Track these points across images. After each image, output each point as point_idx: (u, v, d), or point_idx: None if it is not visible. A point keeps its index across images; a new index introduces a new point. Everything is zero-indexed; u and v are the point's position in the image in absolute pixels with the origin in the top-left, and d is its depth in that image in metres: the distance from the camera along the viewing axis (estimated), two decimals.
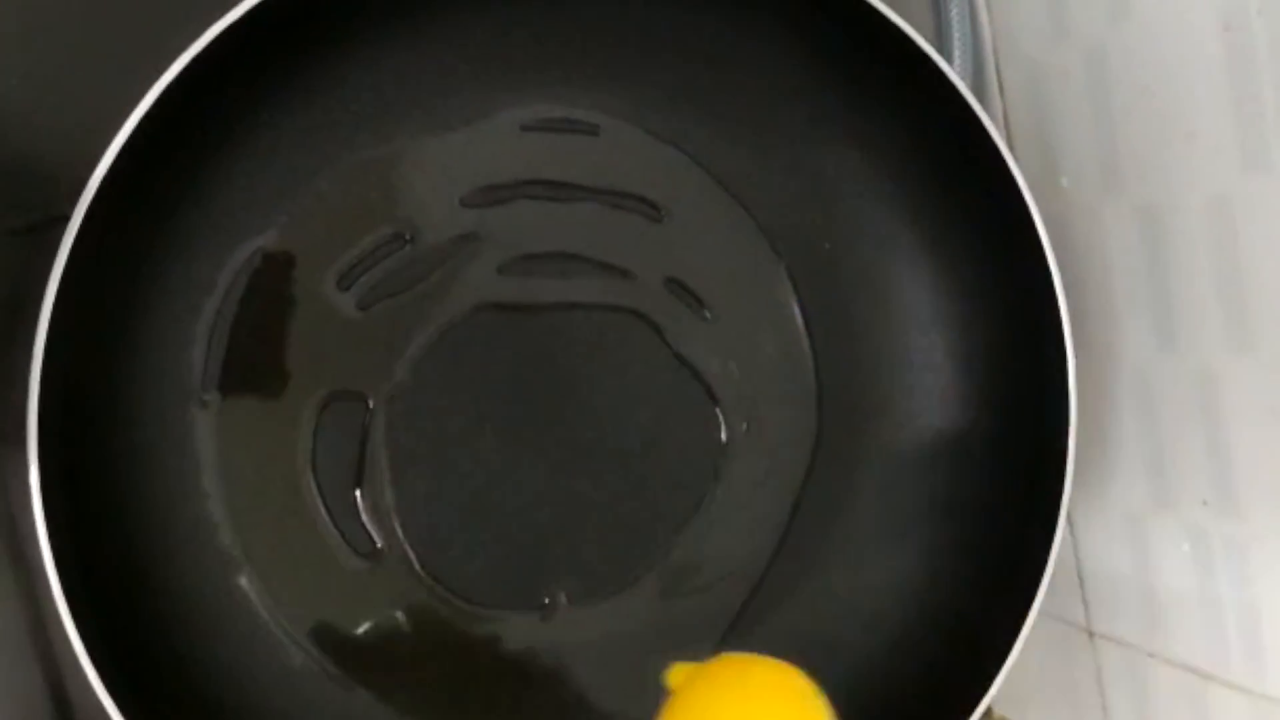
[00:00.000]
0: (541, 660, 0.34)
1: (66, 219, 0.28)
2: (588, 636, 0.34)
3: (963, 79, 0.32)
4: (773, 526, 0.36)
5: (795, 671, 0.28)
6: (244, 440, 0.33)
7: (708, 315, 0.36)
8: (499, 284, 0.34)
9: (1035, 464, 0.33)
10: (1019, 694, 0.41)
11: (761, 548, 0.36)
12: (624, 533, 0.35)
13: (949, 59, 0.37)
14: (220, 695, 0.32)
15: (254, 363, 0.33)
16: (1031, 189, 0.32)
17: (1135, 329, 0.34)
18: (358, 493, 0.33)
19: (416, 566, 0.34)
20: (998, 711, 0.42)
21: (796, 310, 0.36)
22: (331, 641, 0.33)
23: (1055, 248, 0.32)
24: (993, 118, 0.33)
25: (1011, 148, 0.32)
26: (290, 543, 0.33)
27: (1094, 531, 0.37)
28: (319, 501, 0.33)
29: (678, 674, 0.28)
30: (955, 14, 0.37)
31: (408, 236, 0.34)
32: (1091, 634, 0.38)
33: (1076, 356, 0.32)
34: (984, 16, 0.38)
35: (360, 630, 0.33)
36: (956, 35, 0.37)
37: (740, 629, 0.36)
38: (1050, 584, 0.32)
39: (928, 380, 0.36)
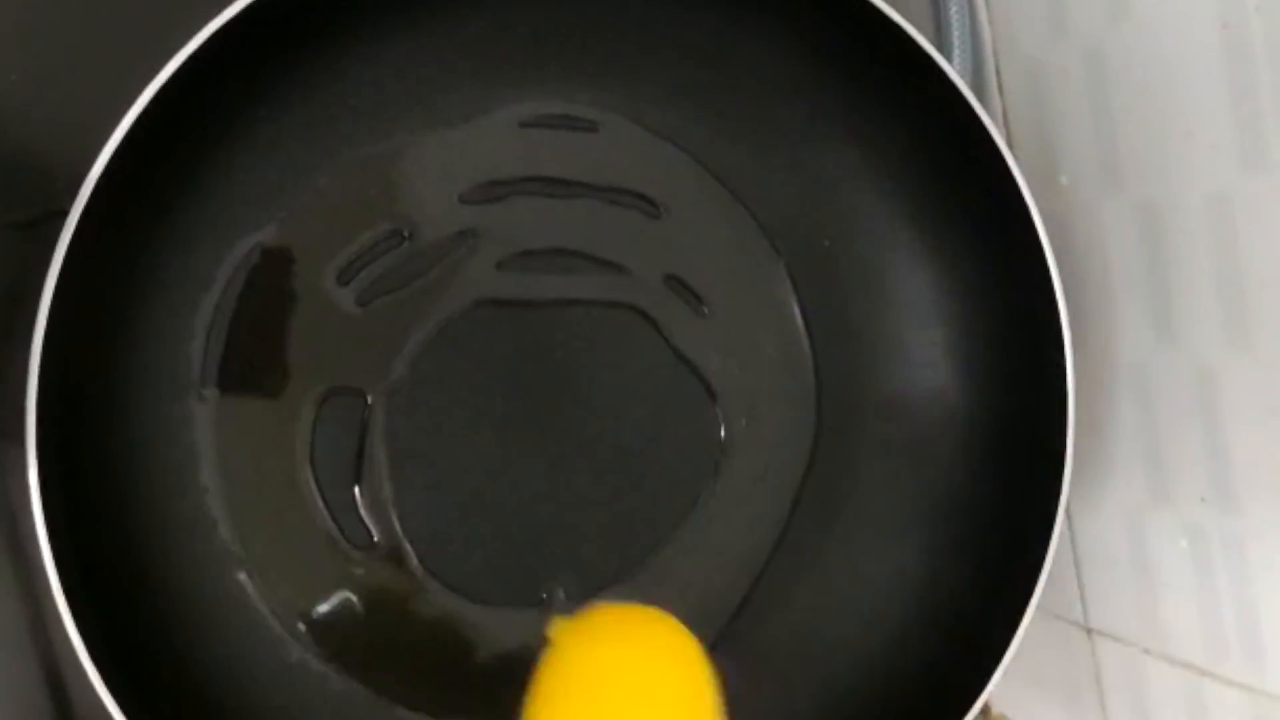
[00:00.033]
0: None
1: (65, 214, 0.28)
2: None
3: (962, 77, 0.32)
4: (771, 523, 0.36)
5: (670, 620, 0.28)
6: (243, 436, 0.33)
7: (706, 312, 0.36)
8: (498, 280, 0.34)
9: (1034, 461, 0.33)
10: (1017, 690, 0.42)
11: (760, 544, 0.36)
12: (622, 529, 0.35)
13: (949, 57, 0.37)
14: (219, 690, 0.32)
15: (253, 358, 0.33)
16: (1031, 187, 0.32)
17: (1134, 326, 0.34)
18: (356, 489, 0.33)
19: (415, 562, 0.34)
20: (995, 708, 0.42)
21: (795, 307, 0.36)
22: (330, 636, 0.33)
23: (1054, 246, 0.32)
24: (992, 116, 0.33)
25: (1011, 146, 0.32)
26: (289, 538, 0.33)
27: (1092, 528, 0.37)
28: (318, 497, 0.33)
29: (555, 626, 0.28)
30: (955, 12, 0.37)
31: (406, 233, 0.34)
32: (1089, 630, 0.38)
33: (1075, 354, 0.32)
34: (983, 15, 0.38)
35: (359, 626, 0.33)
36: (956, 34, 0.37)
37: (738, 626, 0.36)
38: (1048, 580, 0.32)
39: (927, 377, 0.36)
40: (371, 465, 0.33)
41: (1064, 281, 0.32)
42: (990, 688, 0.32)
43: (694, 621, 0.35)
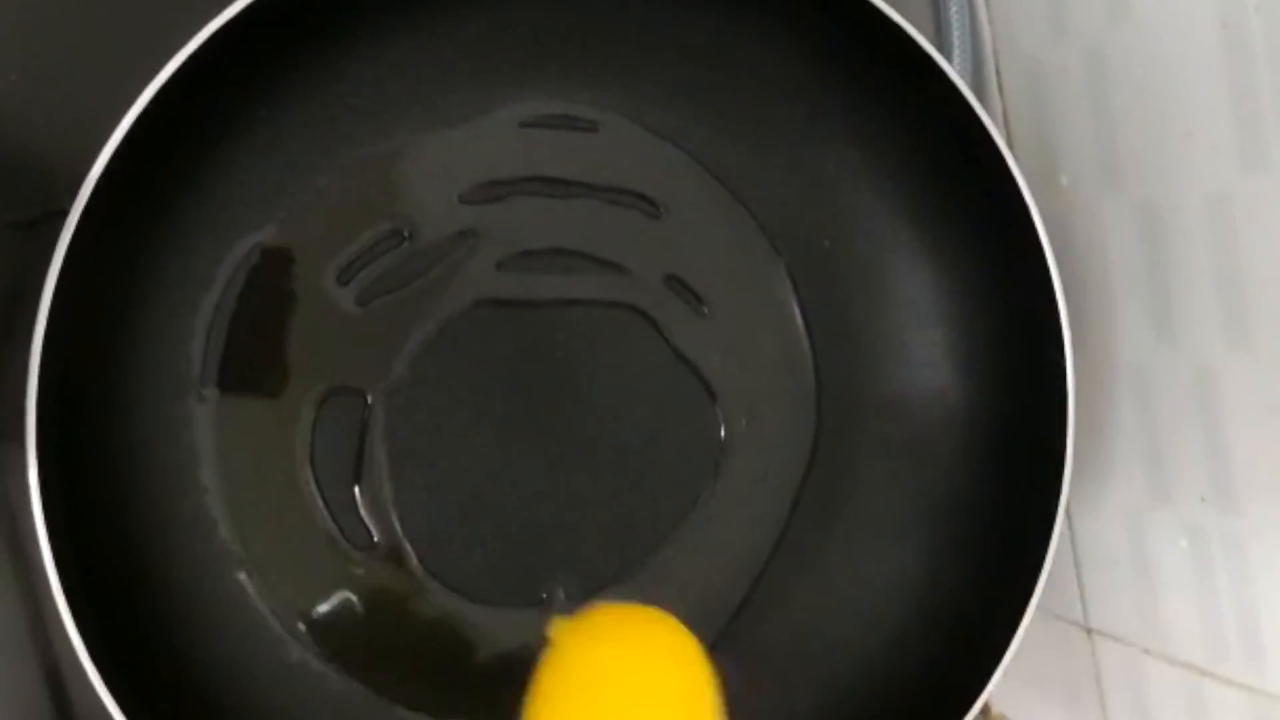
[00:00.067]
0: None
1: (65, 214, 0.28)
2: None
3: (962, 78, 0.32)
4: (771, 523, 0.36)
5: (670, 620, 0.28)
6: (243, 436, 0.33)
7: (706, 312, 0.36)
8: (498, 280, 0.34)
9: (1034, 461, 0.33)
10: (1017, 690, 0.42)
11: (760, 544, 0.36)
12: (622, 529, 0.35)
13: (949, 58, 0.37)
14: (219, 690, 0.32)
15: (252, 358, 0.33)
16: (1031, 187, 0.32)
17: (1134, 326, 0.34)
18: (356, 489, 0.33)
19: (415, 562, 0.34)
20: (995, 708, 0.42)
21: (796, 308, 0.36)
22: (330, 636, 0.33)
23: (1054, 246, 0.32)
24: (992, 117, 0.33)
25: (1011, 146, 0.32)
26: (289, 538, 0.33)
27: (1092, 528, 0.37)
28: (318, 497, 0.33)
29: (555, 626, 0.28)
30: (955, 12, 0.37)
31: (406, 233, 0.34)
32: (1089, 630, 0.38)
33: (1075, 354, 0.32)
34: (983, 15, 0.38)
35: (359, 626, 0.33)
36: (956, 34, 0.37)
37: (738, 625, 0.36)
38: (1048, 580, 0.32)
39: (927, 377, 0.36)
40: (371, 465, 0.33)
41: (1064, 281, 0.32)
42: (990, 688, 0.32)
43: (694, 621, 0.35)
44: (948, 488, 0.36)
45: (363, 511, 0.33)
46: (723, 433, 0.36)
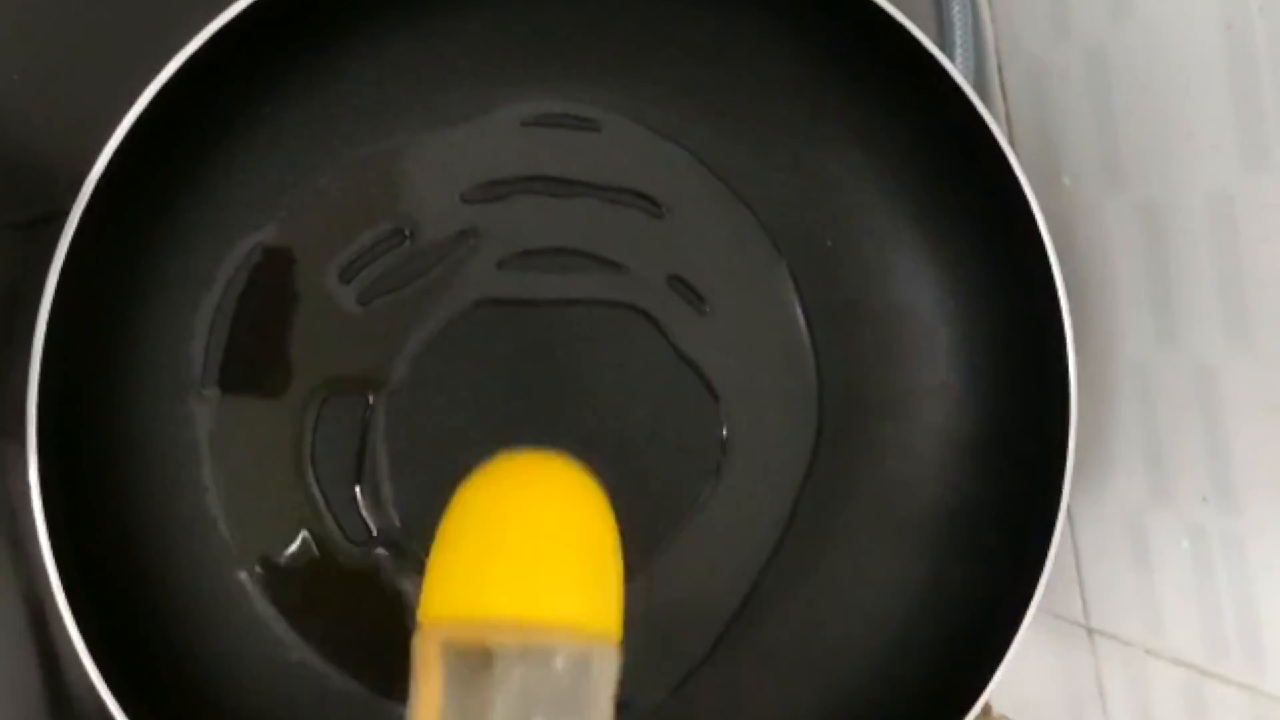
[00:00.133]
0: None
1: (66, 214, 0.28)
2: None
3: (965, 77, 0.32)
4: (773, 523, 0.36)
5: (571, 464, 0.29)
6: (243, 435, 0.33)
7: (708, 311, 0.36)
8: (499, 279, 0.34)
9: (1035, 461, 0.33)
10: (1017, 691, 0.42)
11: (761, 544, 0.36)
12: (623, 528, 0.35)
13: (951, 57, 0.37)
14: (219, 689, 0.32)
15: (253, 357, 0.33)
16: (1033, 187, 0.32)
17: (1136, 325, 0.34)
18: (357, 488, 0.33)
19: (416, 562, 0.34)
20: (996, 708, 0.42)
21: (798, 307, 0.36)
22: (330, 636, 0.33)
23: (1057, 246, 0.32)
24: (994, 116, 0.32)
25: (1013, 146, 0.32)
26: (290, 537, 0.33)
27: (1093, 528, 0.37)
28: (319, 496, 0.33)
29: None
30: (957, 12, 0.37)
31: (408, 232, 0.34)
32: (1090, 630, 0.38)
33: (1077, 354, 0.32)
34: (986, 15, 0.38)
35: (360, 625, 0.33)
36: (959, 33, 0.37)
37: (739, 626, 0.36)
38: (1049, 580, 0.32)
39: (928, 377, 0.36)
40: (373, 464, 0.33)
41: (1066, 281, 0.32)
42: (991, 687, 0.32)
43: (694, 621, 0.35)
44: (949, 487, 0.36)
45: (364, 511, 0.33)
46: (724, 432, 0.36)
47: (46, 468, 0.28)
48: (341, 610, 0.33)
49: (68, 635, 0.28)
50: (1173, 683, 0.35)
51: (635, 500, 0.35)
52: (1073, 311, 0.32)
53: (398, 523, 0.33)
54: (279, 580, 0.33)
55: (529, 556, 0.27)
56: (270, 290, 0.33)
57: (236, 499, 0.32)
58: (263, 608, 0.33)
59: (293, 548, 0.33)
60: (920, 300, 0.36)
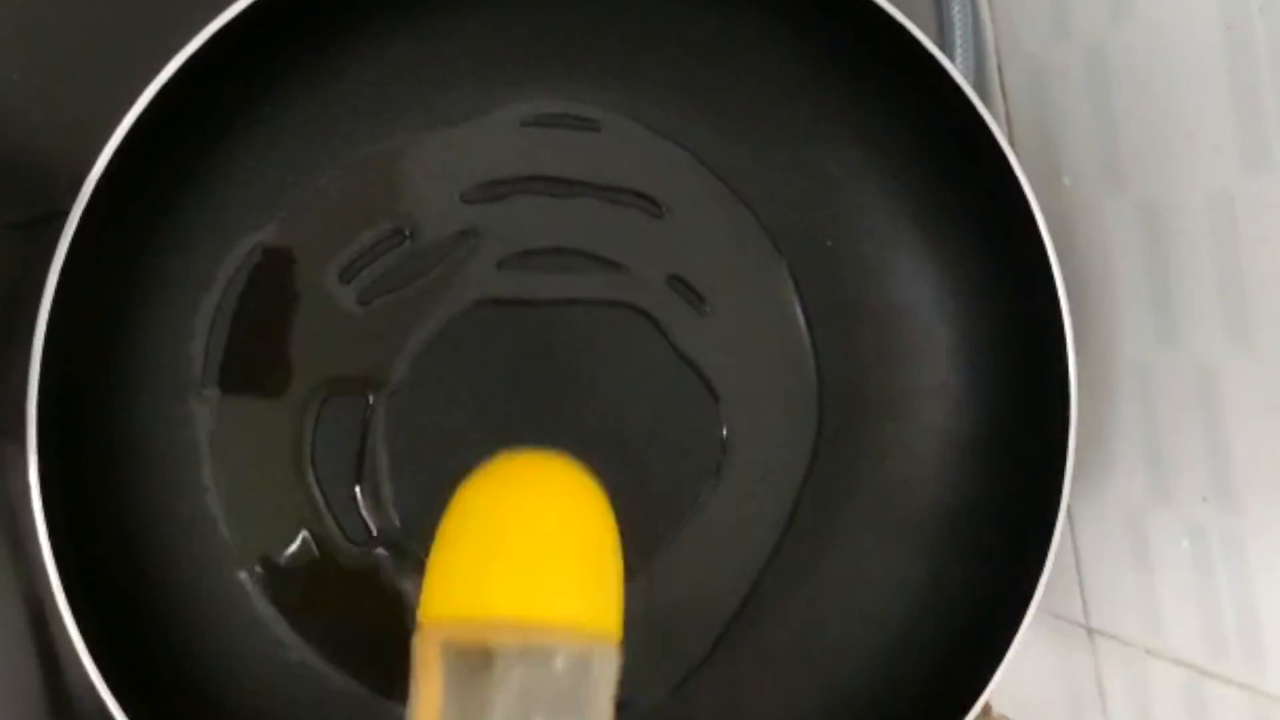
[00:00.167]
0: None
1: (66, 214, 0.28)
2: None
3: (965, 77, 0.32)
4: (773, 523, 0.36)
5: (571, 464, 0.29)
6: (243, 435, 0.33)
7: (708, 311, 0.36)
8: (499, 279, 0.34)
9: (1035, 461, 0.33)
10: (1017, 691, 0.42)
11: (761, 544, 0.36)
12: (623, 528, 0.35)
13: (951, 57, 0.37)
14: (218, 690, 0.32)
15: (254, 357, 0.33)
16: (1033, 187, 0.32)
17: (1136, 325, 0.34)
18: (358, 488, 0.33)
19: (416, 562, 0.34)
20: (996, 708, 0.42)
21: (798, 307, 0.36)
22: (330, 636, 0.33)
23: (1057, 246, 0.32)
24: (994, 116, 0.32)
25: (1013, 146, 0.32)
26: (290, 538, 0.33)
27: (1093, 527, 0.37)
28: (319, 496, 0.33)
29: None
30: (957, 12, 0.37)
31: (408, 232, 0.34)
32: (1090, 630, 0.38)
33: (1077, 353, 0.32)
34: (986, 15, 0.38)
35: (360, 626, 0.33)
36: (959, 33, 0.37)
37: (739, 626, 0.36)
38: (1049, 580, 0.32)
39: (928, 377, 0.36)
40: (373, 464, 0.33)
41: (1066, 281, 0.32)
42: (991, 688, 0.32)
43: (694, 621, 0.35)
44: (949, 487, 0.36)
45: (364, 511, 0.33)
46: (724, 432, 0.36)
47: (46, 468, 0.28)
48: (341, 610, 0.33)
49: (68, 635, 0.28)
50: (1173, 683, 0.35)
51: (635, 500, 0.35)
52: (1073, 311, 0.32)
53: (398, 523, 0.33)
54: (279, 580, 0.33)
55: (529, 556, 0.27)
56: (270, 290, 0.33)
57: (236, 499, 0.32)
58: (263, 608, 0.33)
59: (293, 548, 0.33)
60: (920, 300, 0.36)
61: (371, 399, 0.33)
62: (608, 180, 0.35)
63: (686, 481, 0.36)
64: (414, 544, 0.33)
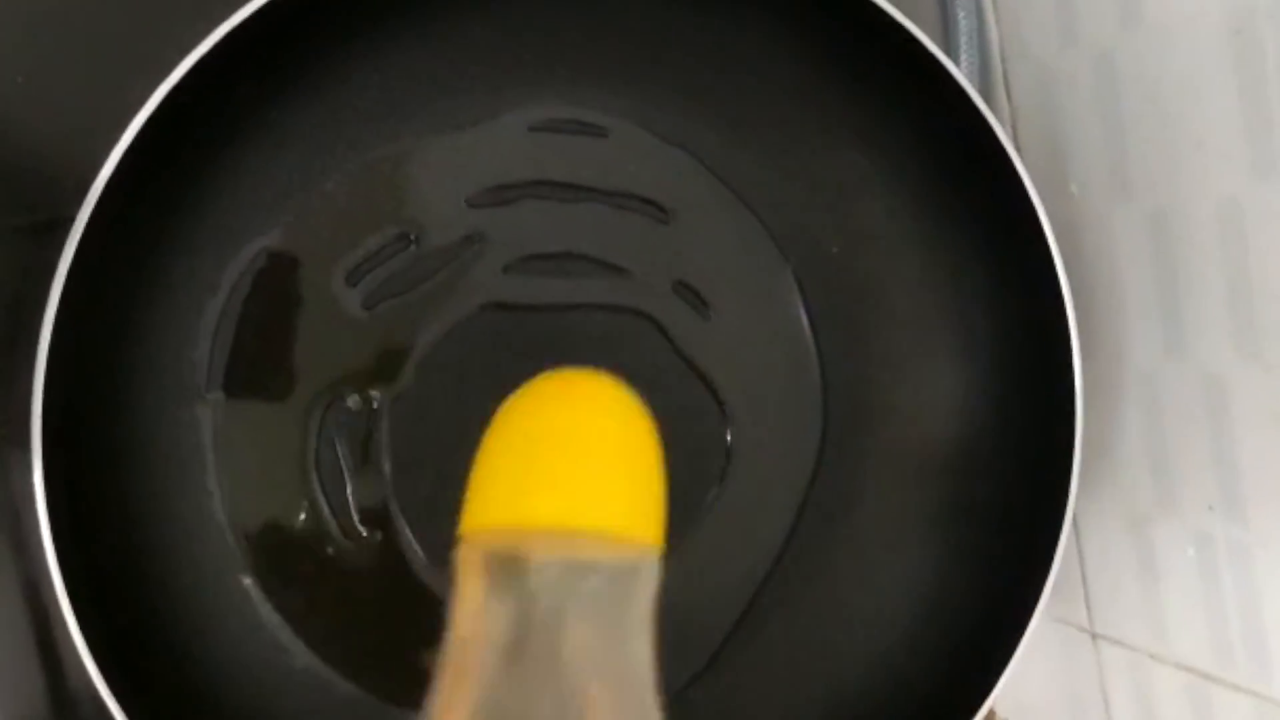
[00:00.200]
0: None
1: (71, 219, 0.28)
2: None
3: (970, 82, 0.32)
4: (778, 528, 0.36)
5: (615, 380, 0.28)
6: (248, 439, 0.33)
7: (713, 317, 0.36)
8: (504, 284, 0.34)
9: (1041, 467, 0.33)
10: (1022, 695, 0.42)
11: (767, 549, 0.36)
12: None
13: (956, 62, 0.37)
14: (220, 693, 0.32)
15: (258, 362, 0.33)
16: (1040, 195, 0.32)
17: (1143, 334, 0.34)
18: (362, 492, 0.33)
19: (420, 566, 0.34)
20: (1000, 713, 0.42)
21: (803, 313, 0.36)
22: (334, 641, 0.33)
23: (1064, 253, 0.32)
24: (1001, 122, 0.32)
25: (1019, 152, 0.32)
26: (293, 542, 0.33)
27: (1099, 534, 0.37)
28: (322, 500, 0.33)
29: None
30: (963, 17, 0.37)
31: (413, 236, 0.34)
32: (1095, 636, 0.38)
33: (1084, 361, 0.32)
34: (991, 19, 0.38)
35: (365, 632, 0.33)
36: (964, 39, 0.37)
37: (745, 630, 0.36)
38: (1054, 586, 0.32)
39: (934, 384, 0.36)
40: (377, 469, 0.33)
41: (1073, 289, 0.32)
42: (996, 693, 0.32)
43: (699, 626, 0.35)
44: (954, 494, 0.36)
45: (368, 515, 0.33)
46: (729, 438, 0.36)
47: (51, 471, 0.28)
48: (346, 616, 0.33)
49: (71, 638, 0.28)
50: (1177, 688, 0.35)
51: None
52: (1080, 319, 0.32)
53: (402, 527, 0.33)
54: (283, 585, 0.33)
55: (570, 466, 0.27)
56: (275, 294, 0.33)
57: (241, 503, 0.32)
58: (266, 613, 0.33)
59: (296, 552, 0.33)
60: (925, 306, 0.36)
61: (376, 403, 0.33)
62: (613, 186, 0.35)
63: (691, 487, 0.36)
64: (419, 548, 0.33)
